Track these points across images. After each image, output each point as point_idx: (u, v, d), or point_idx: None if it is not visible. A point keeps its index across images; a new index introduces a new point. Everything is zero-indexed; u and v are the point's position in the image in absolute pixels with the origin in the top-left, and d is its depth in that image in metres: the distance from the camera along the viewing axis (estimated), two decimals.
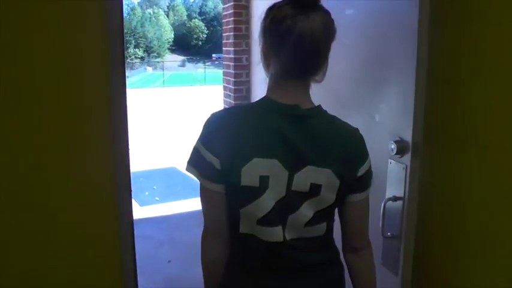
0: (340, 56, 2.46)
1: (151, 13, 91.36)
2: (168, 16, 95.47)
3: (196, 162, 1.23)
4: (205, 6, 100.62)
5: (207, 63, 55.63)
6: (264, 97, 1.24)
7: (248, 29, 4.78)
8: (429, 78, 1.83)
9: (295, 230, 1.21)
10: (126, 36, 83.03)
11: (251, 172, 1.15)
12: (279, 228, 1.19)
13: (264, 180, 1.15)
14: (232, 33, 4.77)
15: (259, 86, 4.61)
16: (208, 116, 1.25)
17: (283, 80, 1.22)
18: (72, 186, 1.76)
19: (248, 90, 4.84)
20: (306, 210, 1.19)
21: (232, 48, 4.80)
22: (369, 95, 2.14)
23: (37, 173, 1.70)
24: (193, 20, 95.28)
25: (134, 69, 65.25)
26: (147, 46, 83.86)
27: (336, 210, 1.31)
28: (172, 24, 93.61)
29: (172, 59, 78.37)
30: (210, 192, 1.22)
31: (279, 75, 1.22)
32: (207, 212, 1.27)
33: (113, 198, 1.82)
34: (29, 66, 1.63)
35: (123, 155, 1.83)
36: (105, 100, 1.74)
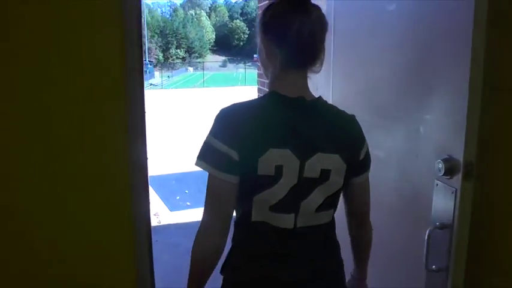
0: (380, 60, 2.23)
1: (193, 14, 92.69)
2: (209, 17, 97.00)
3: (208, 156, 1.26)
4: (247, 7, 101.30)
5: (247, 64, 55.58)
6: (270, 91, 1.31)
7: None
8: (485, 87, 1.57)
9: (306, 216, 1.28)
10: (168, 37, 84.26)
11: (267, 162, 1.22)
12: (291, 216, 1.27)
13: (279, 169, 1.22)
14: None
15: None
16: (218, 112, 1.29)
17: (284, 73, 1.30)
18: (86, 190, 1.69)
19: None
20: (317, 196, 1.28)
21: None
22: (413, 105, 1.88)
23: (48, 178, 1.65)
24: (234, 21, 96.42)
25: (176, 69, 66.06)
26: (188, 47, 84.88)
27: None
28: (214, 25, 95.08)
29: (214, 60, 79.05)
30: (223, 183, 1.25)
31: (281, 68, 1.29)
32: (215, 203, 1.29)
33: (129, 207, 1.72)
34: (45, 67, 1.58)
35: (141, 159, 1.72)
36: (122, 101, 1.66)
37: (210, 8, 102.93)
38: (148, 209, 1.80)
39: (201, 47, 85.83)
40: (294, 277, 1.30)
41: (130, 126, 1.68)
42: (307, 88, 1.33)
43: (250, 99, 1.33)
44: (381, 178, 1.87)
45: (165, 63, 73.68)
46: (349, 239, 1.61)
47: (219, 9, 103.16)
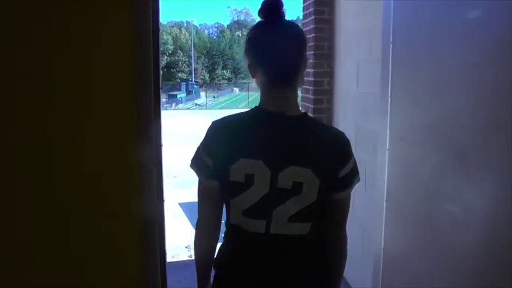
0: (458, 84, 1.69)
1: (240, 35, 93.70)
2: None
3: (196, 162, 1.45)
4: None
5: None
6: (255, 106, 1.43)
7: (331, 47, 4.09)
8: None
9: (280, 224, 1.36)
10: (215, 58, 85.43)
11: (238, 170, 1.35)
12: (263, 222, 1.36)
13: (250, 178, 1.34)
14: (312, 52, 4.10)
15: (343, 114, 3.90)
16: (209, 123, 1.45)
17: (267, 90, 1.41)
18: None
19: (329, 119, 4.14)
20: (290, 206, 1.35)
21: (312, 70, 4.12)
22: (506, 147, 1.37)
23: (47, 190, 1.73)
24: None
25: (222, 90, 66.64)
26: (234, 67, 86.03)
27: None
28: None
29: None
30: (205, 186, 1.45)
31: (265, 85, 1.41)
32: (202, 204, 1.48)
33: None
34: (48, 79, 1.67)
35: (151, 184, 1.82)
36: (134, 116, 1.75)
37: None
38: (157, 209, 1.89)
39: (247, 68, 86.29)
40: (271, 275, 1.39)
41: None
42: (291, 104, 1.41)
43: (240, 112, 1.44)
44: (455, 243, 1.39)
45: (211, 84, 74.61)
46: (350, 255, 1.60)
47: None
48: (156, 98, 1.79)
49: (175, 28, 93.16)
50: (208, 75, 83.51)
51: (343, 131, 1.43)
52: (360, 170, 1.45)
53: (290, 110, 1.39)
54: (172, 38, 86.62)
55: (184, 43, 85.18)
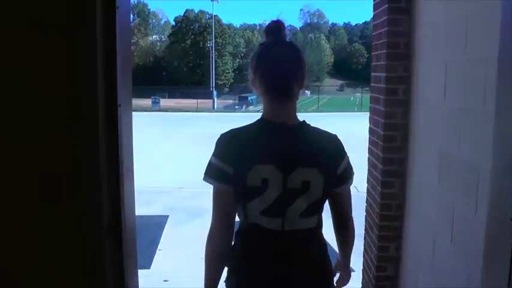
0: None
1: (313, 38, 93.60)
2: (328, 40, 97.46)
3: (212, 172, 1.65)
4: (366, 29, 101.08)
5: (365, 88, 54.04)
6: (260, 118, 1.69)
7: (409, 44, 3.08)
8: None
9: (293, 221, 1.62)
10: None
11: (254, 176, 1.59)
12: (279, 220, 1.62)
13: (265, 182, 1.58)
14: (384, 51, 3.17)
15: (423, 133, 2.93)
16: (219, 136, 1.70)
17: (268, 102, 1.69)
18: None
19: (405, 139, 3.18)
20: (300, 203, 1.61)
21: (384, 74, 3.18)
22: None
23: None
24: (353, 44, 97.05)
25: None
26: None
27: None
28: (333, 48, 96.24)
29: (331, 83, 79.04)
30: (222, 193, 1.64)
31: (266, 98, 1.68)
32: (218, 210, 1.66)
33: None
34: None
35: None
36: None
37: (329, 31, 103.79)
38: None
39: (319, 70, 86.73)
40: (284, 273, 1.62)
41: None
42: (290, 114, 1.67)
43: (246, 124, 1.68)
44: None
45: None
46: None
47: (338, 32, 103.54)
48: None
49: (247, 31, 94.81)
50: None
51: (336, 134, 1.73)
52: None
53: (290, 119, 1.67)
54: (245, 41, 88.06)
55: (255, 45, 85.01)
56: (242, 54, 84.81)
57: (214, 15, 60.85)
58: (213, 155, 1.65)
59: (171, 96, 51.79)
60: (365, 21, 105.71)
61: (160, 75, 70.87)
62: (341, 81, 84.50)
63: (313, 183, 1.60)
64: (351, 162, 1.71)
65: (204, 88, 61.94)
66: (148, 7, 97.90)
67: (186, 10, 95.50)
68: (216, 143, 1.67)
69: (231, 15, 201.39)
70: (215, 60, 59.29)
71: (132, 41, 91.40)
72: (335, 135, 1.71)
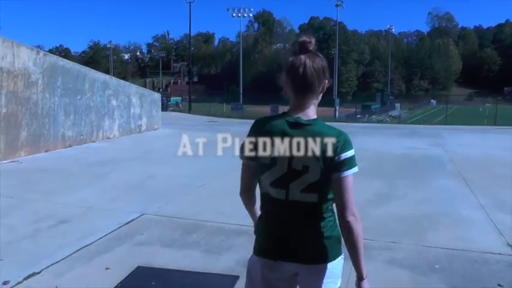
0: None
1: (441, 43, 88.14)
2: (457, 45, 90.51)
3: (241, 150, 1.97)
4: (501, 32, 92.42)
5: (497, 98, 50.44)
6: (282, 112, 1.97)
7: None
8: None
9: (295, 194, 1.88)
10: (412, 68, 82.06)
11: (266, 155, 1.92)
12: (283, 191, 1.89)
13: (274, 160, 1.87)
14: None
15: None
16: (253, 121, 2.00)
17: (293, 100, 1.93)
18: None
19: None
20: (301, 181, 1.86)
21: None
22: None
23: None
24: (485, 49, 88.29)
25: (418, 101, 64.32)
26: (433, 78, 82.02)
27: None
28: (462, 54, 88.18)
29: (459, 92, 73.32)
30: (246, 166, 2.00)
31: (290, 96, 1.93)
32: (243, 177, 2.05)
33: None
34: None
35: None
36: None
37: (458, 35, 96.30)
38: None
39: (446, 78, 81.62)
40: (285, 234, 1.93)
41: None
42: (306, 111, 1.91)
43: (274, 115, 2.00)
44: None
45: (407, 95, 72.29)
46: None
47: (468, 36, 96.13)
48: None
49: (373, 37, 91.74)
50: (404, 85, 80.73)
51: (343, 132, 1.90)
52: None
53: (305, 115, 1.91)
54: (370, 48, 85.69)
55: (381, 52, 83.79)
56: (367, 62, 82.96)
57: (339, 22, 60.19)
58: (247, 135, 1.96)
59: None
60: (499, 24, 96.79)
61: None
62: (469, 90, 77.05)
63: (311, 168, 1.84)
64: (354, 158, 1.88)
65: (327, 96, 61.44)
66: (274, 16, 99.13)
67: (311, 17, 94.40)
68: (251, 126, 1.99)
69: (356, 21, 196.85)
70: (338, 68, 58.03)
71: (257, 49, 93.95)
72: (341, 132, 1.90)
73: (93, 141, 11.89)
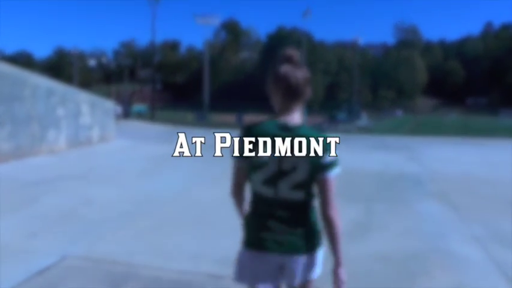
0: None
1: (406, 55, 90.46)
2: (423, 57, 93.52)
3: (233, 151, 2.12)
4: (463, 46, 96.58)
5: (461, 108, 51.46)
6: (272, 117, 2.12)
7: None
8: None
9: (284, 191, 2.05)
10: (379, 78, 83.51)
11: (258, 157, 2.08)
12: (272, 189, 2.06)
13: (265, 161, 2.03)
14: None
15: None
16: (243, 125, 2.16)
17: (280, 108, 2.10)
18: None
19: None
20: (290, 180, 2.04)
21: None
22: None
23: None
24: (449, 62, 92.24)
25: (384, 111, 65.18)
26: (399, 88, 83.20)
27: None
28: (428, 66, 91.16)
29: (425, 103, 75.90)
30: (238, 166, 2.14)
31: (279, 105, 2.11)
32: (233, 177, 2.18)
33: None
34: None
35: None
36: None
37: (423, 48, 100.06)
38: None
39: (411, 89, 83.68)
40: (273, 228, 2.08)
41: None
42: (292, 116, 2.08)
43: (262, 121, 2.10)
44: None
45: (374, 104, 73.38)
46: None
47: (433, 49, 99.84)
48: None
49: (339, 48, 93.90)
50: (371, 95, 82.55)
51: (326, 135, 2.06)
52: None
53: (291, 120, 2.06)
54: (337, 58, 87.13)
55: (348, 63, 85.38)
56: (333, 72, 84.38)
57: (306, 32, 60.99)
58: (238, 138, 2.11)
59: (262, 111, 52.61)
60: (461, 37, 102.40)
61: (253, 91, 72.34)
62: (435, 101, 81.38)
63: (299, 168, 2.00)
64: (337, 159, 2.06)
65: None
66: (241, 25, 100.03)
67: (278, 27, 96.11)
68: (240, 130, 2.12)
69: (324, 31, 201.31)
70: None
71: (223, 58, 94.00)
72: (325, 135, 2.05)
73: (35, 155, 10.44)
